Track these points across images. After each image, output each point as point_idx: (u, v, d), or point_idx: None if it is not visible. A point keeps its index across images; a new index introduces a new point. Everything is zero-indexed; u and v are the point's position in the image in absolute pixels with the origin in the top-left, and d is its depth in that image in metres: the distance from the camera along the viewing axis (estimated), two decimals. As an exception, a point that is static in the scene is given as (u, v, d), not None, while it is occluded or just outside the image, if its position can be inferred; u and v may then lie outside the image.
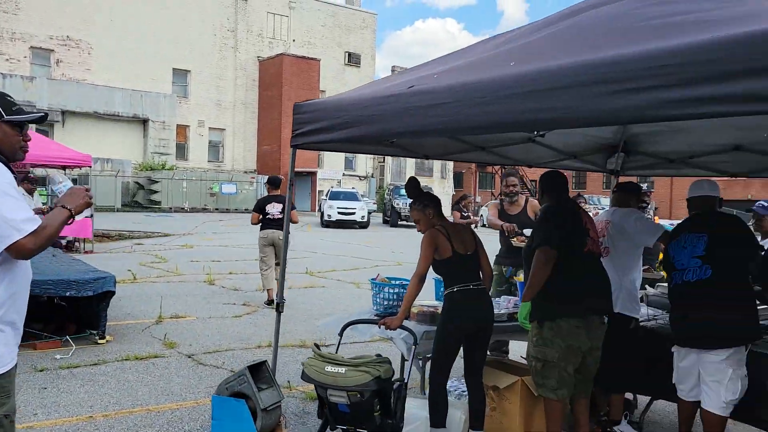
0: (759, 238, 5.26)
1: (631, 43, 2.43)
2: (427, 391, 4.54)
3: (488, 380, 4.39)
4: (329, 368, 3.51)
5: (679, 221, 4.46)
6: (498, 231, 6.03)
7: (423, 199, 4.08)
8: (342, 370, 3.48)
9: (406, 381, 3.82)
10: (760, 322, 4.01)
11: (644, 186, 8.79)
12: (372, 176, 47.40)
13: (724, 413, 3.90)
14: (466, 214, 10.24)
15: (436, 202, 4.11)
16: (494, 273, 5.57)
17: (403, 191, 26.99)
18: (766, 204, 5.51)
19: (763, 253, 4.04)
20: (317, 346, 3.79)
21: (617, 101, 2.23)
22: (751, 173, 5.22)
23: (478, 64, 3.16)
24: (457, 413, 4.12)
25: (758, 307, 4.02)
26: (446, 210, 28.98)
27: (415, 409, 4.04)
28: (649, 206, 8.38)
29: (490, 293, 4.25)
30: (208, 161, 41.34)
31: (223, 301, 9.39)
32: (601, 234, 4.65)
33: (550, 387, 3.93)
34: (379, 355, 3.70)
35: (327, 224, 28.50)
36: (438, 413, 3.91)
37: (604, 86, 2.28)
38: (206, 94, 40.96)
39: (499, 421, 4.38)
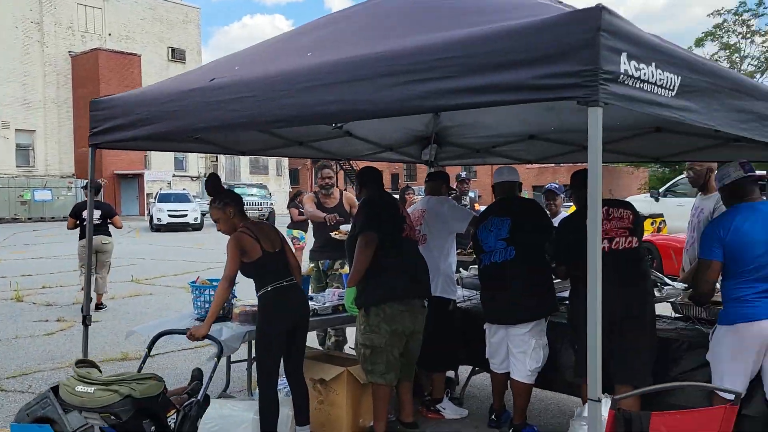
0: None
1: (421, 33, 2.52)
2: (255, 393, 4.45)
3: (314, 374, 4.40)
4: (80, 388, 3.23)
5: None
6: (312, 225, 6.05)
7: (223, 198, 3.92)
8: (91, 389, 3.22)
9: (199, 399, 3.63)
10: (556, 295, 4.43)
11: (463, 173, 9.35)
12: (204, 176, 45.71)
13: (529, 381, 4.25)
14: (303, 211, 10.18)
15: (237, 200, 3.98)
16: (313, 269, 5.61)
17: (237, 191, 26.35)
18: (557, 185, 6.12)
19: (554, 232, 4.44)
20: (81, 362, 3.53)
21: (408, 91, 2.31)
22: (545, 159, 5.73)
23: (279, 56, 3.13)
24: (284, 411, 4.08)
25: (554, 282, 4.44)
26: (282, 207, 28.79)
27: (241, 412, 3.94)
28: (472, 193, 8.95)
29: (310, 290, 4.28)
30: (17, 166, 37.40)
31: (34, 318, 8.54)
32: (418, 222, 4.85)
33: (379, 372, 4.05)
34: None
35: (157, 228, 27.01)
36: (268, 419, 3.82)
37: (395, 77, 2.35)
38: (10, 93, 36.98)
39: (328, 414, 4.41)
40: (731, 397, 3.37)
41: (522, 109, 4.60)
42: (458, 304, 4.98)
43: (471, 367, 5.18)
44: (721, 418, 2.21)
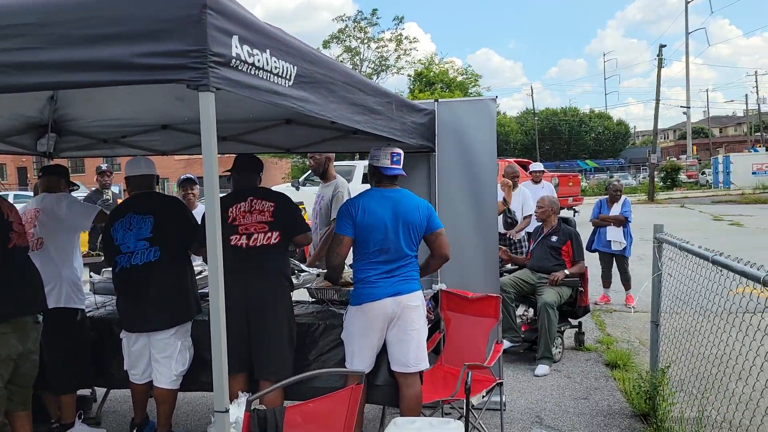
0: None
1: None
2: None
3: None
4: None
5: None
6: None
7: None
8: None
9: None
10: (199, 291, 4.25)
11: (104, 165, 8.40)
12: None
13: (175, 386, 4.00)
14: None
15: None
16: None
17: None
18: (193, 176, 5.94)
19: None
20: None
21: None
22: (184, 150, 5.44)
23: None
24: None
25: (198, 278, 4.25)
26: None
27: None
28: (116, 188, 8.11)
29: None
30: None
31: None
32: (31, 224, 4.15)
33: None
34: None
35: None
36: None
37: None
38: None
39: None
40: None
41: (150, 97, 4.26)
42: (90, 313, 4.44)
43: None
44: (349, 397, 2.31)
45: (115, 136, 5.26)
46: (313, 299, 4.53)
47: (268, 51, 2.07)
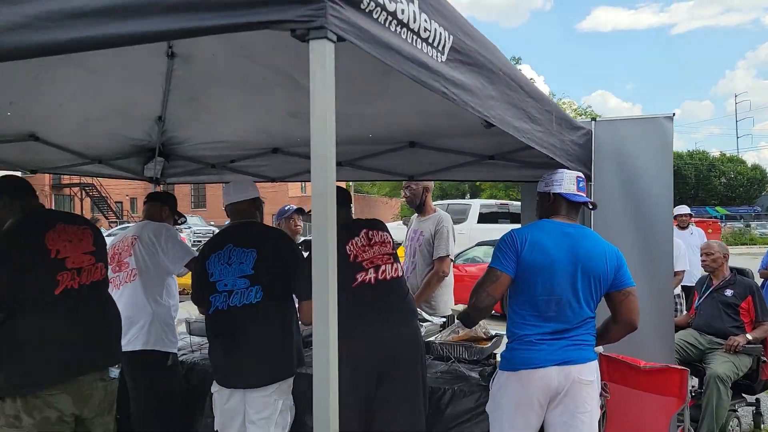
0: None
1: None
2: None
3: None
4: None
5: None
6: None
7: None
8: None
9: None
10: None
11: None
12: None
13: (272, 454, 3.32)
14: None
15: None
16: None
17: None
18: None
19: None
20: None
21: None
22: (290, 177, 4.93)
23: None
24: None
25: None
26: None
27: None
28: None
29: None
30: None
31: None
32: (127, 253, 3.72)
33: None
34: None
35: None
36: None
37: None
38: None
39: None
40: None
41: (260, 114, 3.80)
42: (182, 357, 3.91)
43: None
44: None
45: (223, 160, 4.83)
46: (433, 356, 3.73)
47: (416, 2, 1.37)
